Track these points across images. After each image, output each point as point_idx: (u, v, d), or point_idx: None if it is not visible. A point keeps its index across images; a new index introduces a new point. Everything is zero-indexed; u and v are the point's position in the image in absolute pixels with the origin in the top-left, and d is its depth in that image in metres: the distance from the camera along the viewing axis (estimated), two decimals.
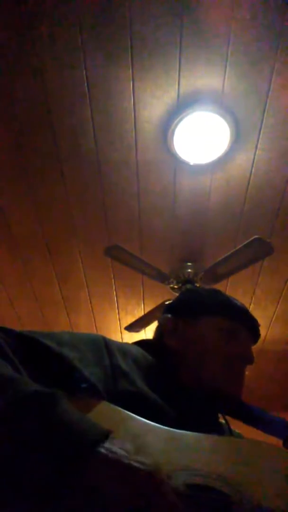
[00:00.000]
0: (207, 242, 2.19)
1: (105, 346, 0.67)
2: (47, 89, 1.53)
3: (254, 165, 1.79)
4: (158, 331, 0.86)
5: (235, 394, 0.75)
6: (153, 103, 1.57)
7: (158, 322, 0.88)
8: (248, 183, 1.87)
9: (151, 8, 1.31)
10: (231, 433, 0.78)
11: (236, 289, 2.42)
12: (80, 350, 0.62)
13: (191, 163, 1.77)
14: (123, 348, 0.72)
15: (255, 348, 0.81)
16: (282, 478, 0.49)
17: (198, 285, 2.25)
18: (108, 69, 1.47)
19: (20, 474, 0.38)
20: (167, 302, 1.73)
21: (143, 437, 0.52)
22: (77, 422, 0.42)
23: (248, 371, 0.80)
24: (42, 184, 1.90)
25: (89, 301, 2.61)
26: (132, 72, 1.47)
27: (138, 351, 0.75)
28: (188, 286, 2.21)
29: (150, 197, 1.96)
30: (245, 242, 1.97)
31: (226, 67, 1.45)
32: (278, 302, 2.50)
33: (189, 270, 2.28)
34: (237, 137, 1.68)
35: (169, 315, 0.85)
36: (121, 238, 2.14)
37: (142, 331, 2.65)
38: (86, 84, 1.51)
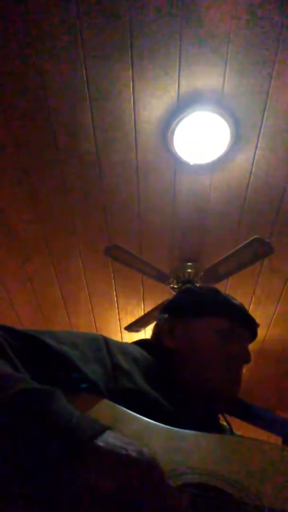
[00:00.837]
0: (207, 242, 2.19)
1: (105, 345, 0.67)
2: (47, 89, 1.53)
3: (254, 165, 1.79)
4: (155, 331, 0.86)
5: (233, 393, 0.75)
6: (153, 103, 1.57)
7: (155, 322, 0.88)
8: (248, 183, 1.87)
9: (151, 8, 1.31)
10: (232, 434, 0.78)
11: (236, 289, 2.42)
12: (80, 349, 0.62)
13: (191, 163, 1.77)
14: (123, 347, 0.72)
15: (255, 348, 0.81)
16: (283, 476, 0.49)
17: (198, 285, 2.25)
18: (108, 69, 1.47)
19: (17, 470, 0.38)
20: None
21: (142, 435, 0.52)
22: (75, 419, 0.42)
23: (247, 371, 0.80)
24: (42, 184, 1.90)
25: (89, 301, 2.61)
26: (132, 72, 1.48)
27: (138, 350, 0.75)
28: (188, 285, 2.21)
29: (150, 197, 1.96)
30: (245, 242, 1.97)
31: (226, 67, 1.45)
32: (278, 302, 2.50)
33: (189, 270, 2.28)
34: (237, 137, 1.68)
35: (166, 315, 0.85)
36: (121, 238, 2.14)
37: (142, 331, 2.65)
38: (86, 84, 1.51)
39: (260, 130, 1.65)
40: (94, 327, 2.82)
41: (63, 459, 0.38)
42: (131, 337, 2.75)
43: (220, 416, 0.79)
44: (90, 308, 2.67)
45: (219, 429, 0.77)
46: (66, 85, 1.51)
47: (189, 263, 2.29)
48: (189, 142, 1.69)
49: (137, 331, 2.63)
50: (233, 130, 1.64)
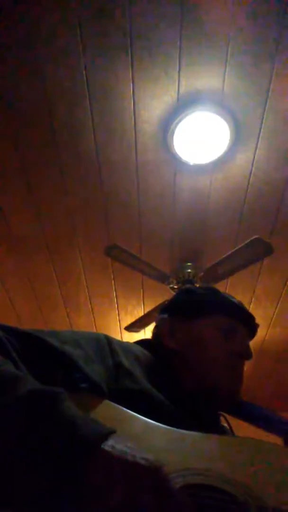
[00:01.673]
0: (207, 242, 2.19)
1: (108, 345, 0.67)
2: (47, 89, 1.53)
3: (254, 165, 1.79)
4: (155, 332, 0.86)
5: (235, 391, 0.75)
6: (153, 103, 1.57)
7: (155, 323, 0.88)
8: (248, 183, 1.87)
9: (151, 8, 1.31)
10: (233, 435, 0.78)
11: (236, 289, 2.42)
12: (82, 349, 0.62)
13: (191, 163, 1.77)
14: (125, 346, 0.72)
15: (255, 348, 0.81)
16: (286, 476, 0.49)
17: (198, 285, 2.25)
18: (108, 69, 1.47)
19: (22, 472, 0.38)
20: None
21: (144, 436, 0.52)
22: (81, 421, 0.42)
23: (248, 371, 0.80)
24: (42, 184, 1.90)
25: (89, 301, 2.61)
26: (132, 72, 1.48)
27: (139, 349, 0.75)
28: (187, 286, 2.21)
29: (150, 197, 1.96)
30: (245, 242, 1.97)
31: (226, 67, 1.45)
32: (278, 302, 2.50)
33: (189, 270, 2.28)
34: (237, 137, 1.68)
35: (166, 316, 0.85)
36: (121, 238, 2.14)
37: (142, 331, 2.65)
38: (86, 84, 1.51)
39: (260, 130, 1.65)
40: (94, 327, 2.82)
41: (67, 463, 0.38)
42: (131, 337, 2.75)
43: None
44: (90, 308, 2.67)
45: (220, 430, 0.77)
46: (66, 85, 1.51)
47: (189, 263, 2.29)
48: (189, 142, 1.69)
49: (137, 331, 2.63)
50: (233, 130, 1.64)
